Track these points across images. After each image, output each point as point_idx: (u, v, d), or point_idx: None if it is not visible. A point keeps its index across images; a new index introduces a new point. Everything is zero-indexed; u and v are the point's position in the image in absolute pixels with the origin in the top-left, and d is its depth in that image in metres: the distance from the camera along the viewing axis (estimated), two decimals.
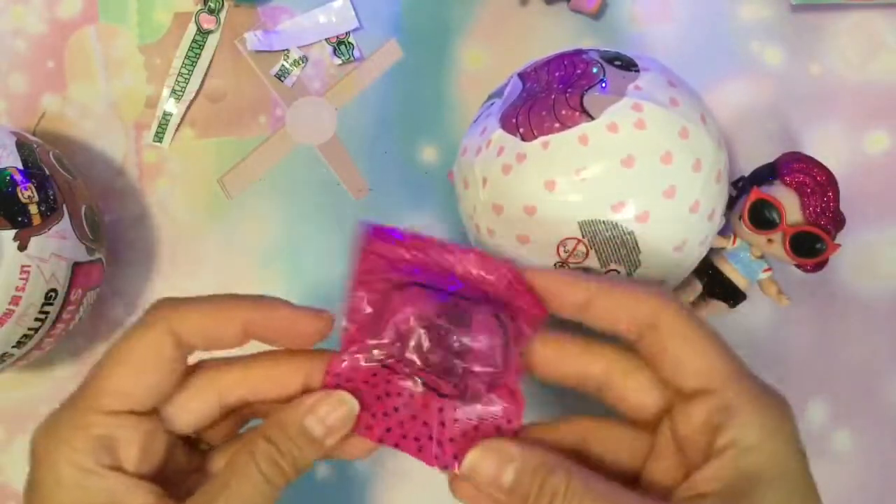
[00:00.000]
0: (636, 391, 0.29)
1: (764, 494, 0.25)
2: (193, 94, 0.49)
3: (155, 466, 0.28)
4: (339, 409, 0.28)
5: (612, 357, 0.29)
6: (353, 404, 0.28)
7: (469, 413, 0.29)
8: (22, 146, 0.42)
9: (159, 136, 0.49)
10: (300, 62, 0.50)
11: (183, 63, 0.49)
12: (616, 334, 0.29)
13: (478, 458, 0.28)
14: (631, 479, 0.29)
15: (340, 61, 0.49)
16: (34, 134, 0.49)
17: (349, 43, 0.49)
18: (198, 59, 0.49)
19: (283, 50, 0.49)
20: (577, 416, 0.30)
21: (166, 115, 0.49)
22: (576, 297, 0.28)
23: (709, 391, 0.27)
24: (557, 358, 0.29)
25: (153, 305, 0.28)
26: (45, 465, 0.26)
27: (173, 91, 0.49)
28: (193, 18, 0.49)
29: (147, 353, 0.27)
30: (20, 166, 0.40)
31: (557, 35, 0.49)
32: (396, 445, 0.29)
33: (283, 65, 0.49)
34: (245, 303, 0.29)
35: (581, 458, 0.29)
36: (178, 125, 0.49)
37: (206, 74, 0.50)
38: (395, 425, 0.29)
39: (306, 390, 0.29)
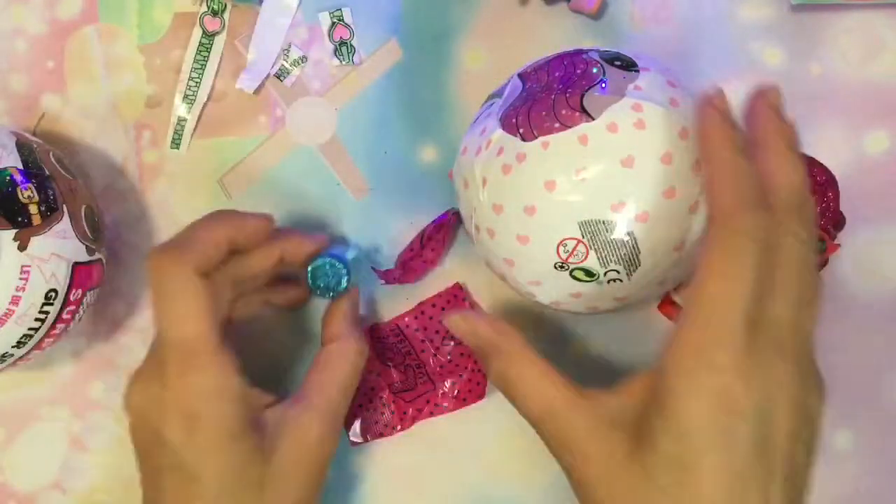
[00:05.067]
0: None
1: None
2: (206, 98, 0.49)
3: None
4: None
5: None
6: None
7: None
8: (22, 146, 0.42)
9: (176, 143, 0.49)
10: (300, 62, 0.49)
11: (192, 67, 0.49)
12: None
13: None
14: None
15: (340, 63, 0.49)
16: (34, 134, 0.49)
17: (351, 45, 0.49)
18: (206, 62, 0.49)
19: (283, 50, 0.49)
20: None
21: (181, 122, 0.49)
22: None
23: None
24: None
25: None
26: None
27: (185, 96, 0.49)
28: (198, 22, 0.49)
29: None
30: (20, 166, 0.40)
31: (557, 35, 0.49)
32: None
33: (283, 65, 0.49)
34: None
35: None
36: (194, 130, 0.49)
37: (216, 77, 0.49)
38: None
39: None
